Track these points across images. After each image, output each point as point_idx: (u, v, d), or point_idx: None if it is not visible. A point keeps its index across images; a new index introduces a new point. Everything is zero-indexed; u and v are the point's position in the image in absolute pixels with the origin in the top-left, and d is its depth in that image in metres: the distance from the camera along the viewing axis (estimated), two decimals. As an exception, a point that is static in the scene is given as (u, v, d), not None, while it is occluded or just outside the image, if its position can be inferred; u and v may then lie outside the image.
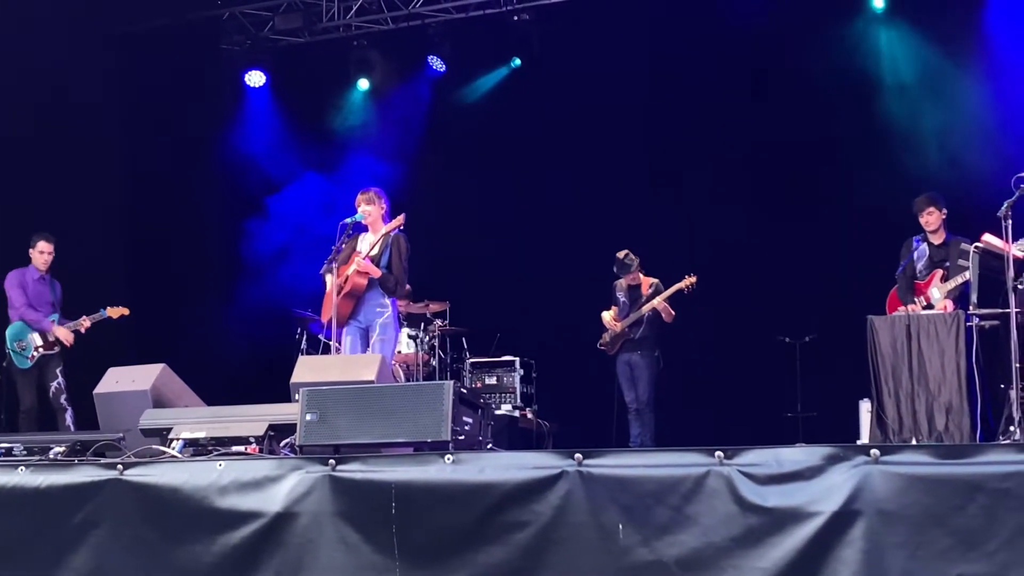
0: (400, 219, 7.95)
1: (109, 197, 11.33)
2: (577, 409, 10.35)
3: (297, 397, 5.79)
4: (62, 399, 9.32)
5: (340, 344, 7.92)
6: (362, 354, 7.75)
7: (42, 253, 9.54)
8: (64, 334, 9.43)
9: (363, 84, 12.70)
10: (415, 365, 10.11)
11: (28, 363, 9.40)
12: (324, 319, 8.03)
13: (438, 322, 10.53)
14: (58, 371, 9.38)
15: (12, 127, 10.25)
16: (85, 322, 9.44)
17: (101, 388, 7.40)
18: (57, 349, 9.44)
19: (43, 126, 10.43)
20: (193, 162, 12.16)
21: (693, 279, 9.56)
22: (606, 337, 9.95)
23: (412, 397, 5.59)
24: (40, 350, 9.39)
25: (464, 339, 10.88)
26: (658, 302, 9.63)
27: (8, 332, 9.45)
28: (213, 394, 7.52)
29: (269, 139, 12.65)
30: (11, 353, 9.41)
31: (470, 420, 5.87)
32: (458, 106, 12.18)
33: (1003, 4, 10.07)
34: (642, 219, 10.75)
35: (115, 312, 9.49)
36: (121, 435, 6.43)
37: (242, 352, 11.38)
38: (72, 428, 9.08)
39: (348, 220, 7.92)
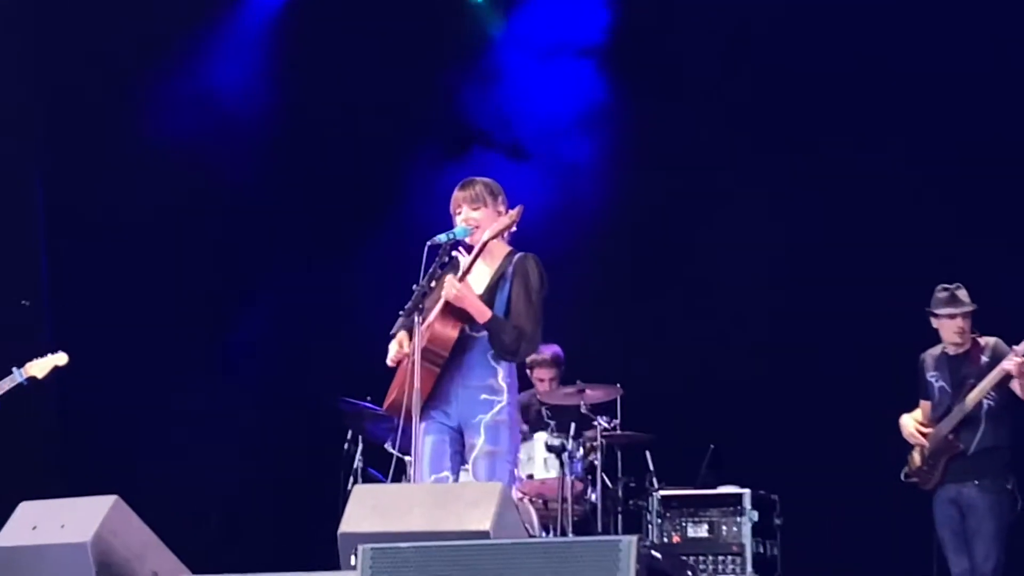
0: (516, 211, 5.02)
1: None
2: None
3: (354, 559, 4.03)
4: None
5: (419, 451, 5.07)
6: (468, 482, 5.12)
7: None
8: None
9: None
10: (559, 500, 6.95)
11: None
12: (387, 405, 5.14)
13: (602, 421, 7.25)
14: None
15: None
16: None
17: (4, 539, 5.02)
18: None
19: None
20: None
21: None
22: (915, 458, 6.48)
23: (564, 564, 3.75)
24: None
25: (649, 453, 7.41)
26: (1012, 366, 6.11)
27: None
28: (198, 551, 5.17)
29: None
30: None
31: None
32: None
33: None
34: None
35: (38, 369, 6.24)
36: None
37: (252, 475, 8.01)
38: None
39: (441, 237, 5.08)
